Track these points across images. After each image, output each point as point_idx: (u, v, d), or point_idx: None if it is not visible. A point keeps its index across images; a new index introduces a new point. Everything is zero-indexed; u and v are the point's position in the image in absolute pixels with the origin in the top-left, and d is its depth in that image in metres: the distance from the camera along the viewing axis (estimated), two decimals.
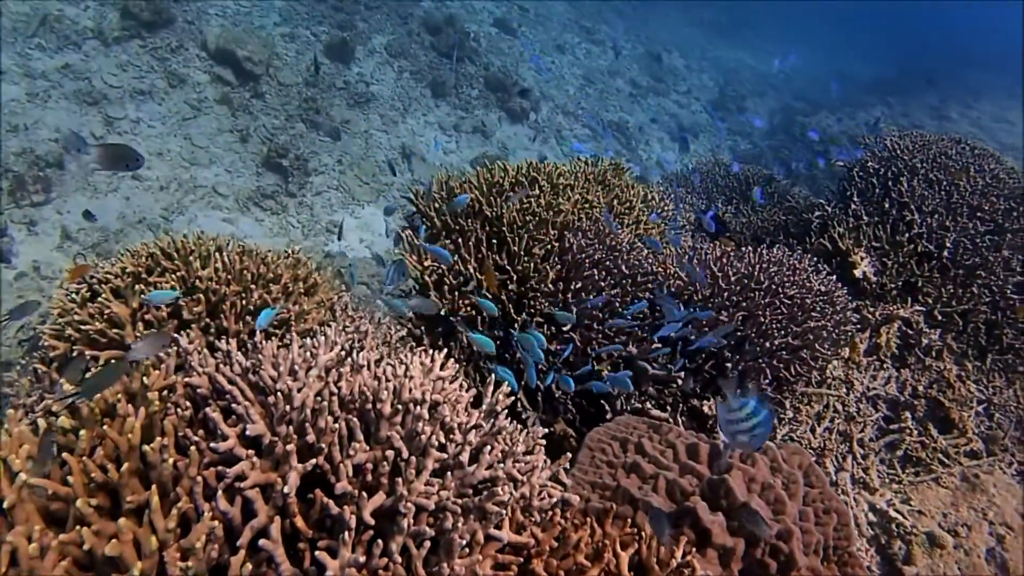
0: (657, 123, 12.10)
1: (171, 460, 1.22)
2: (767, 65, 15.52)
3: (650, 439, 2.48)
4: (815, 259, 3.38)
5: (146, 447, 1.22)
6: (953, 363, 3.61)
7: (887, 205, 3.94)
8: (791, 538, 2.02)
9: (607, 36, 14.56)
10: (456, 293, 2.94)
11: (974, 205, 3.79)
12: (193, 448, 1.27)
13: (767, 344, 2.94)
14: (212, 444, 1.28)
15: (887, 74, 13.29)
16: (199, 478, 1.22)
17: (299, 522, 1.24)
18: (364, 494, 1.25)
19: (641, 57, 14.43)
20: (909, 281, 3.74)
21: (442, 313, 2.84)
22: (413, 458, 1.36)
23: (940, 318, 3.65)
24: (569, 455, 1.84)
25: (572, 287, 2.92)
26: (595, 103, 11.96)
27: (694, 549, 1.91)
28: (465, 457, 1.46)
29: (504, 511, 1.39)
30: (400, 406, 1.49)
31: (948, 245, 3.71)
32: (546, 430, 1.81)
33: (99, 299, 2.31)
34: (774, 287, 3.03)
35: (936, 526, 3.07)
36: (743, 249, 3.27)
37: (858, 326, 3.49)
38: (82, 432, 1.28)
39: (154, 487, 1.17)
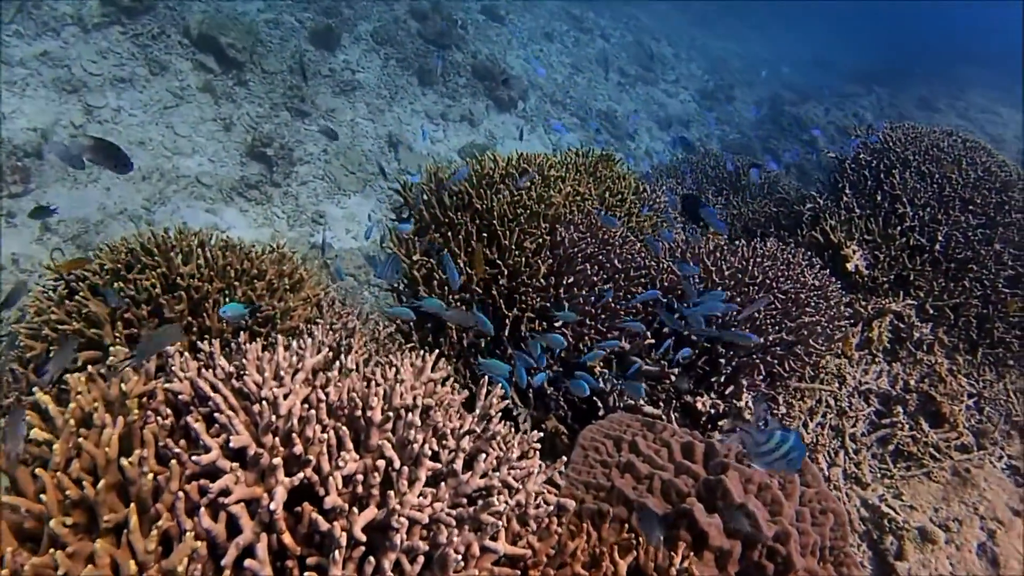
0: (640, 112, 12.02)
1: (150, 475, 1.16)
2: (756, 54, 15.49)
3: (644, 438, 2.44)
4: (808, 253, 3.35)
5: (124, 461, 1.16)
6: (944, 357, 3.60)
7: (879, 198, 3.92)
8: (788, 540, 1.99)
9: (595, 24, 14.46)
10: (446, 288, 2.88)
11: (966, 198, 3.77)
12: (174, 461, 1.21)
13: (761, 339, 2.91)
14: (194, 457, 1.22)
15: (876, 65, 13.30)
16: (180, 493, 1.16)
17: (287, 539, 1.19)
18: (355, 509, 1.19)
19: (630, 46, 14.34)
20: (901, 275, 3.72)
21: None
22: (405, 468, 1.31)
23: (932, 312, 3.64)
24: (564, 459, 1.80)
25: (564, 282, 2.87)
26: (583, 92, 11.88)
27: (692, 553, 1.88)
28: (459, 465, 1.41)
29: (500, 522, 1.34)
30: (391, 412, 1.43)
31: (940, 239, 3.70)
32: (540, 434, 1.76)
33: (77, 297, 2.23)
34: (768, 282, 3.00)
35: (928, 521, 3.06)
36: (736, 243, 3.23)
37: (851, 320, 3.47)
38: (56, 445, 1.21)
39: (133, 505, 1.11)
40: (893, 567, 2.92)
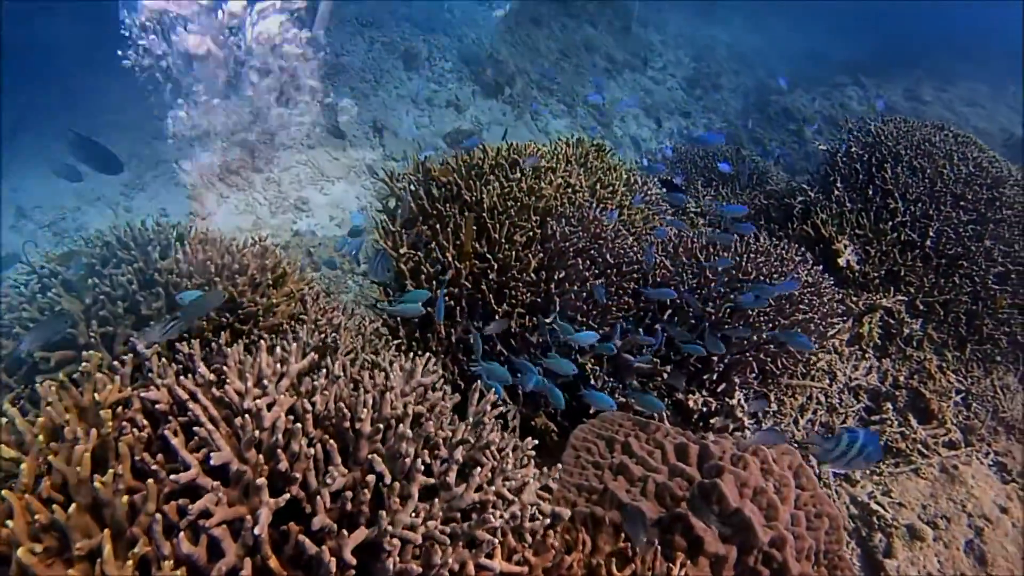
0: (628, 99, 11.90)
1: (125, 498, 1.09)
2: (743, 43, 15.43)
3: (637, 438, 2.39)
4: (801, 248, 3.31)
5: (98, 482, 1.09)
6: (933, 353, 3.60)
7: (871, 192, 3.89)
8: (784, 546, 1.96)
9: (583, 10, 14.28)
10: (434, 282, 2.81)
11: (957, 194, 3.75)
12: (151, 480, 1.13)
13: (754, 337, 2.87)
14: (172, 476, 1.14)
15: (868, 59, 13.27)
16: (158, 515, 1.09)
17: (272, 563, 1.12)
18: (344, 531, 1.13)
19: (618, 32, 14.20)
20: (892, 270, 3.70)
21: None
22: (397, 484, 1.25)
23: (922, 308, 3.63)
24: (560, 466, 1.74)
25: (555, 276, 2.81)
26: (571, 78, 11.75)
27: (689, 561, 1.84)
28: (452, 477, 1.35)
29: (496, 538, 1.29)
30: (381, 424, 1.37)
31: (931, 234, 3.68)
32: (535, 442, 1.70)
33: (50, 293, 2.13)
34: (761, 278, 2.96)
35: (916, 518, 3.06)
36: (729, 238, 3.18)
37: (843, 317, 3.45)
38: (24, 464, 1.14)
39: (107, 532, 1.04)
40: (882, 564, 2.91)
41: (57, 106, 6.52)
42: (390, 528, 1.15)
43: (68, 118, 6.40)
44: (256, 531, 1.09)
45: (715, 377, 2.90)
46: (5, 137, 5.90)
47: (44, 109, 6.40)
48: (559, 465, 1.73)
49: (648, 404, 2.48)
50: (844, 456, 1.89)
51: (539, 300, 2.83)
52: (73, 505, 1.07)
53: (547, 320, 2.78)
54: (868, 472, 3.22)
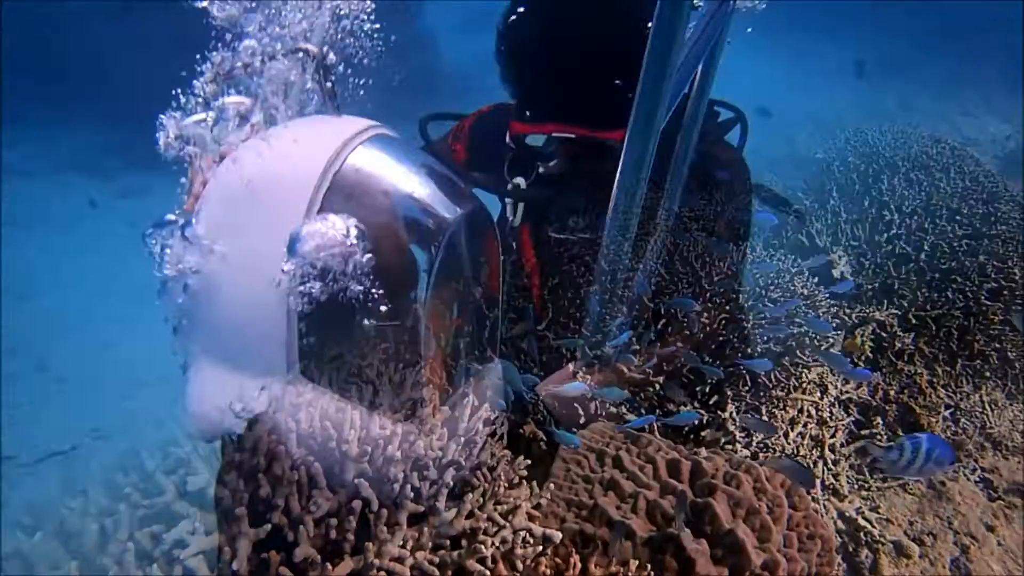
0: None
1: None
2: (744, 39, 15.45)
3: (628, 452, 2.34)
4: (795, 259, 3.28)
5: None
6: (924, 367, 3.58)
7: (866, 203, 3.86)
8: (777, 569, 1.92)
9: None
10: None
11: (953, 208, 3.73)
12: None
13: (748, 349, 2.83)
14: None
15: (862, 56, 13.30)
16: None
17: None
18: (328, 564, 1.07)
19: None
20: (885, 283, 3.68)
21: None
22: (384, 511, 1.19)
23: (914, 321, 3.61)
24: (552, 486, 1.69)
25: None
26: None
27: None
28: (442, 503, 1.30)
29: (487, 569, 1.23)
30: (368, 445, 1.31)
31: (926, 248, 3.66)
32: (527, 461, 1.65)
33: None
34: (758, 290, 2.92)
35: (903, 535, 3.05)
36: (727, 247, 3.14)
37: (837, 330, 3.42)
38: None
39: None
40: None
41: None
42: (377, 561, 1.10)
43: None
44: (234, 566, 1.03)
45: (708, 389, 2.86)
46: (6, 134, 5.74)
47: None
48: (551, 485, 1.68)
49: (683, 420, 2.46)
50: (912, 464, 1.81)
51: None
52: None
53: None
54: (857, 487, 3.20)
